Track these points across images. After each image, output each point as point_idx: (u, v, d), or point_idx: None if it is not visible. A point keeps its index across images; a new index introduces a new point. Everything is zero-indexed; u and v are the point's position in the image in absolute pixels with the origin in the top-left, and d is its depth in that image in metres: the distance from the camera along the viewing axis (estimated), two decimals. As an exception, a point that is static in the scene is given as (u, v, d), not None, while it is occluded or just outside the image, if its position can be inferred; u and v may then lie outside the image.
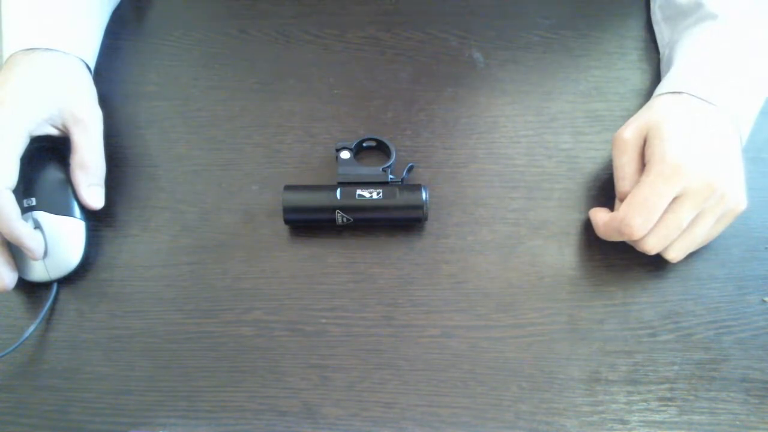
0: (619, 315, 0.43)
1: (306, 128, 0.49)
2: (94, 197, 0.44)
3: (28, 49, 0.43)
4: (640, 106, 0.45)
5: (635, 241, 0.41)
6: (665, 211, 0.39)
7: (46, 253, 0.42)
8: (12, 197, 0.39)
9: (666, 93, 0.43)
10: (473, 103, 0.50)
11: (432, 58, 0.52)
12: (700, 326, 0.42)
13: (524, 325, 0.42)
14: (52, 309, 0.43)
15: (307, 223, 0.45)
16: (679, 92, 0.42)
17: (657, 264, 0.44)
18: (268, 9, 0.54)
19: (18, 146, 0.40)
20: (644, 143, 0.41)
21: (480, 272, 0.44)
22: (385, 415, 0.40)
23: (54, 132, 0.43)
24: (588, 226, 0.45)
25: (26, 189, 0.43)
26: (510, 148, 0.48)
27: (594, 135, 0.49)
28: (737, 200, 0.40)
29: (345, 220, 0.44)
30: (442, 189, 0.47)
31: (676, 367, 0.41)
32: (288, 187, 0.44)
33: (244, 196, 0.47)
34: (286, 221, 0.44)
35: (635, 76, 0.51)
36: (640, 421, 0.40)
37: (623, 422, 0.40)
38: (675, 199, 0.39)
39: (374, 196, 0.43)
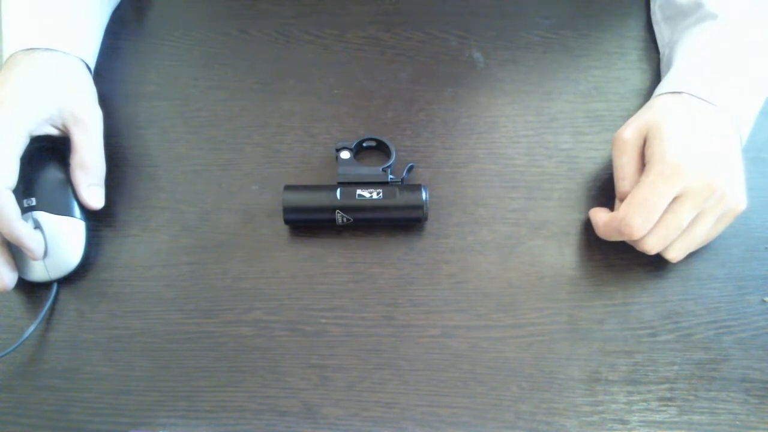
0: (619, 315, 0.43)
1: (306, 128, 0.49)
2: (94, 197, 0.44)
3: (28, 49, 0.43)
4: (640, 106, 0.45)
5: (635, 241, 0.41)
6: (665, 211, 0.39)
7: (46, 253, 0.42)
8: (12, 197, 0.39)
9: (666, 93, 0.43)
10: (473, 103, 0.50)
11: (432, 58, 0.52)
12: (700, 326, 0.42)
13: (524, 325, 0.42)
14: (52, 309, 0.43)
15: (307, 223, 0.45)
16: (679, 92, 0.42)
17: (657, 264, 0.44)
18: (268, 9, 0.54)
19: (18, 146, 0.40)
20: (644, 143, 0.41)
21: (480, 272, 0.44)
22: (385, 415, 0.40)
23: (54, 132, 0.43)
24: (588, 226, 0.45)
25: (26, 189, 0.43)
26: (510, 148, 0.48)
27: (594, 135, 0.49)
28: (737, 200, 0.40)
29: (345, 220, 0.44)
30: (442, 189, 0.47)
31: (676, 367, 0.41)
32: (288, 187, 0.44)
33: (244, 196, 0.47)
34: (286, 221, 0.44)
35: (635, 76, 0.51)
36: (640, 421, 0.40)
37: (623, 422, 0.40)
38: (675, 199, 0.39)
39: (374, 196, 0.43)
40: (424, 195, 0.44)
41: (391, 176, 0.45)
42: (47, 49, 0.44)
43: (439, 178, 0.47)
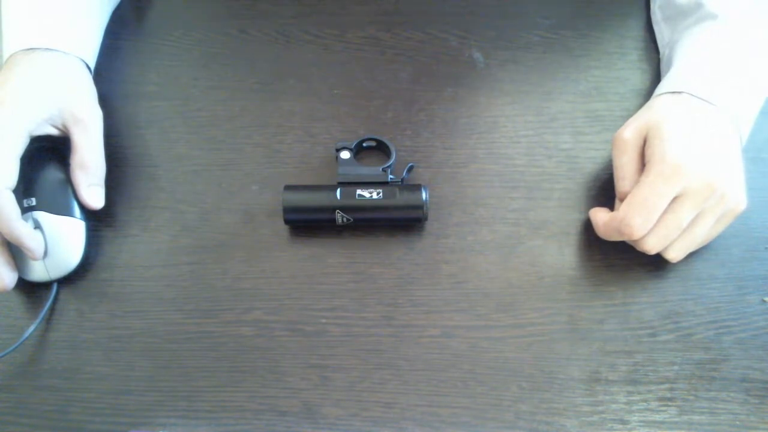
0: (619, 315, 0.43)
1: (306, 128, 0.49)
2: (94, 197, 0.44)
3: (28, 49, 0.43)
4: (640, 106, 0.45)
5: (635, 241, 0.41)
6: (665, 211, 0.39)
7: (46, 253, 0.42)
8: (12, 197, 0.39)
9: (666, 93, 0.43)
10: (473, 103, 0.50)
11: (432, 58, 0.52)
12: (700, 326, 0.42)
13: (524, 325, 0.42)
14: (52, 309, 0.43)
15: (307, 223, 0.45)
16: (679, 92, 0.42)
17: (657, 264, 0.44)
18: (268, 9, 0.54)
19: (18, 146, 0.40)
20: (644, 143, 0.41)
21: (480, 272, 0.44)
22: (385, 415, 0.40)
23: (54, 132, 0.43)
24: (588, 226, 0.45)
25: (26, 189, 0.43)
26: (510, 148, 0.48)
27: (594, 135, 0.49)
28: (737, 200, 0.40)
29: (345, 220, 0.44)
30: (442, 189, 0.47)
31: (676, 367, 0.41)
32: (288, 187, 0.44)
33: (244, 196, 0.47)
34: (286, 221, 0.44)
35: (635, 76, 0.51)
36: (640, 421, 0.40)
37: (623, 422, 0.40)
38: (675, 199, 0.39)
39: (374, 196, 0.43)
40: (424, 195, 0.44)
41: (391, 176, 0.45)
42: (47, 49, 0.44)
43: (439, 178, 0.47)
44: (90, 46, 0.48)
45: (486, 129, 0.49)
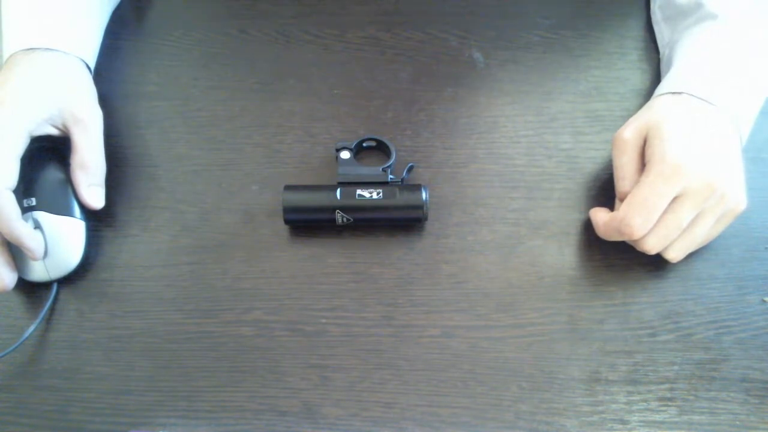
0: (619, 315, 0.43)
1: (306, 128, 0.49)
2: (95, 197, 0.44)
3: (28, 49, 0.43)
4: (640, 106, 0.45)
5: (635, 241, 0.41)
6: (665, 211, 0.39)
7: (46, 253, 0.42)
8: (12, 197, 0.39)
9: (666, 93, 0.43)
10: (473, 103, 0.50)
11: (432, 58, 0.52)
12: (700, 326, 0.42)
13: (524, 325, 0.42)
14: (52, 309, 0.43)
15: (307, 223, 0.45)
16: (679, 92, 0.42)
17: (657, 264, 0.44)
18: (268, 9, 0.54)
19: (18, 146, 0.40)
20: (644, 143, 0.41)
21: (480, 272, 0.44)
22: (385, 415, 0.40)
23: (54, 132, 0.43)
24: (588, 226, 0.45)
25: (26, 189, 0.43)
26: (510, 148, 0.48)
27: (594, 135, 0.49)
28: (737, 200, 0.40)
29: (345, 220, 0.44)
30: (442, 189, 0.47)
31: (676, 367, 0.41)
32: (288, 187, 0.44)
33: (244, 196, 0.47)
34: (286, 221, 0.44)
35: (635, 76, 0.51)
36: (640, 421, 0.40)
37: (623, 422, 0.40)
38: (675, 199, 0.39)
39: (374, 196, 0.43)
40: (424, 195, 0.44)
41: (391, 176, 0.45)
42: (47, 49, 0.44)
43: (439, 178, 0.47)
44: (90, 46, 0.48)
45: (486, 129, 0.49)
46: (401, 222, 0.45)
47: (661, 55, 0.51)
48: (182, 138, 0.49)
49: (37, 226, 0.43)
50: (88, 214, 0.45)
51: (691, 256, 0.43)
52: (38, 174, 0.44)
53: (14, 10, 0.45)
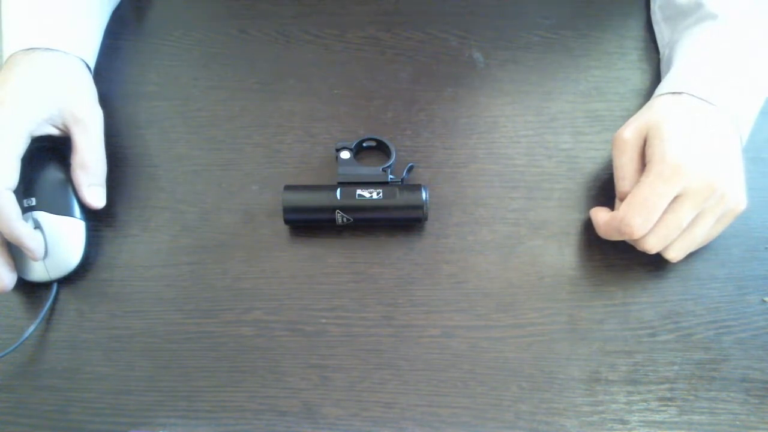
0: (619, 315, 0.43)
1: (306, 128, 0.49)
2: (96, 197, 0.44)
3: (28, 49, 0.43)
4: (640, 106, 0.45)
5: (635, 241, 0.41)
6: (665, 211, 0.39)
7: (46, 253, 0.42)
8: (12, 197, 0.40)
9: (666, 93, 0.43)
10: (473, 103, 0.50)
11: (432, 58, 0.52)
12: (700, 326, 0.42)
13: (524, 325, 0.42)
14: (52, 309, 0.43)
15: (307, 223, 0.45)
16: (679, 92, 0.42)
17: (657, 264, 0.44)
18: (268, 9, 0.54)
19: (19, 147, 0.40)
20: (644, 143, 0.41)
21: (480, 272, 0.44)
22: (385, 415, 0.40)
23: (55, 132, 0.43)
24: (588, 226, 0.45)
25: (26, 189, 0.43)
26: (510, 148, 0.48)
27: (594, 135, 0.49)
28: (737, 200, 0.40)
29: (345, 220, 0.44)
30: (442, 189, 0.47)
31: (676, 367, 0.41)
32: (288, 187, 0.44)
33: (244, 196, 0.47)
34: (286, 221, 0.44)
35: (635, 76, 0.51)
36: (640, 421, 0.40)
37: (623, 422, 0.40)
38: (675, 198, 0.39)
39: (374, 196, 0.43)
40: (424, 195, 0.44)
41: (391, 176, 0.45)
42: (47, 48, 0.44)
43: (439, 178, 0.47)
44: (90, 46, 0.48)
45: (486, 129, 0.49)
46: (401, 222, 0.45)
47: (661, 55, 0.51)
48: (182, 138, 0.49)
49: (37, 226, 0.43)
50: (88, 214, 0.45)
51: (691, 256, 0.43)
52: (38, 174, 0.44)
53: (14, 9, 0.45)
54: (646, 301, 0.43)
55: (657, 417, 0.40)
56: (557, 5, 0.54)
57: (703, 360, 0.41)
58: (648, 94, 0.49)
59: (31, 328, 0.42)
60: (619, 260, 0.44)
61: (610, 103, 0.50)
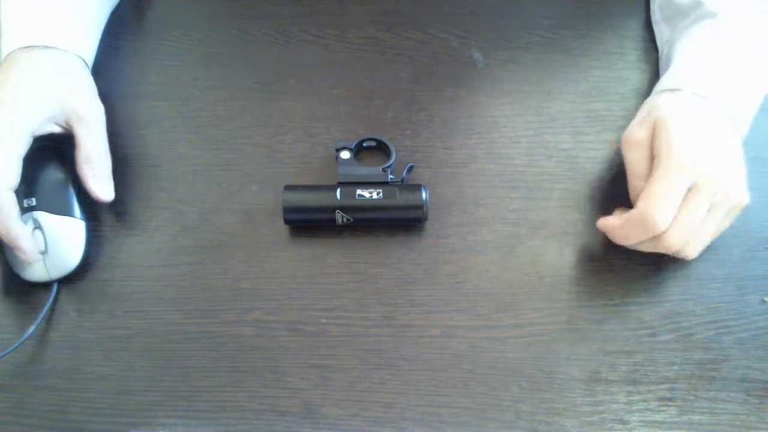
0: (619, 315, 0.43)
1: (306, 128, 0.49)
2: (104, 190, 0.44)
3: (26, 47, 0.43)
4: (640, 105, 0.45)
5: (657, 240, 0.40)
6: (683, 205, 0.39)
7: (46, 253, 0.42)
8: (12, 197, 0.39)
9: (665, 90, 0.43)
10: (473, 103, 0.50)
11: (432, 58, 0.52)
12: (700, 326, 0.42)
13: (524, 325, 0.42)
14: (52, 309, 0.43)
15: (307, 223, 0.45)
16: (678, 89, 0.42)
17: (657, 264, 0.44)
18: (268, 9, 0.54)
19: (20, 146, 0.40)
20: (652, 140, 0.41)
21: (480, 272, 0.44)
22: (385, 415, 0.40)
23: (57, 129, 0.43)
24: (588, 226, 0.45)
25: (26, 189, 0.43)
26: (510, 148, 0.48)
27: (594, 135, 0.49)
28: (741, 194, 0.40)
29: (345, 220, 0.44)
30: (442, 189, 0.47)
31: (676, 367, 0.41)
32: (288, 187, 0.44)
33: (244, 196, 0.47)
34: (286, 221, 0.44)
35: (635, 76, 0.51)
36: (640, 421, 0.40)
37: (623, 422, 0.39)
38: (688, 191, 0.39)
39: (374, 196, 0.43)
40: (424, 195, 0.44)
41: (391, 176, 0.45)
42: (46, 47, 0.44)
43: (439, 178, 0.47)
44: (89, 44, 0.48)
45: (486, 129, 0.49)
46: (401, 222, 0.45)
47: (660, 54, 0.51)
48: (182, 138, 0.49)
49: (37, 226, 0.43)
50: (89, 214, 0.45)
51: (691, 256, 0.43)
52: (38, 174, 0.44)
53: (13, 8, 0.45)
54: (646, 301, 0.43)
55: (657, 417, 0.40)
56: (557, 5, 0.54)
57: (703, 360, 0.41)
58: (647, 94, 0.49)
59: (31, 328, 0.42)
60: (619, 260, 0.44)
61: (610, 103, 0.50)
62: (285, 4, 0.54)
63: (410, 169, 0.46)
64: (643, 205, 0.39)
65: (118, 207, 0.46)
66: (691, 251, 0.41)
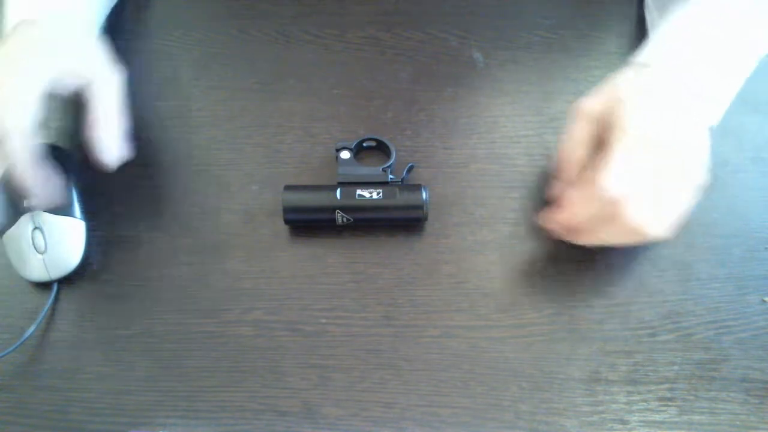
0: (619, 315, 0.43)
1: (306, 128, 0.49)
2: (113, 150, 0.43)
3: (32, 17, 0.43)
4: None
5: (615, 215, 0.39)
6: (636, 176, 0.38)
7: (46, 253, 0.42)
8: (28, 141, 0.39)
9: (635, 65, 0.43)
10: (473, 103, 0.50)
11: (432, 58, 0.52)
12: (700, 326, 0.42)
13: (524, 325, 0.42)
14: (52, 309, 0.43)
15: (307, 223, 0.45)
16: (646, 65, 0.42)
17: (657, 264, 0.44)
18: (268, 9, 0.54)
19: (39, 88, 0.39)
20: (606, 114, 0.41)
21: (480, 272, 0.44)
22: (385, 415, 0.40)
23: (72, 85, 0.42)
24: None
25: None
26: (510, 148, 0.48)
27: (594, 135, 0.48)
28: (697, 172, 0.39)
29: (345, 220, 0.44)
30: (442, 189, 0.47)
31: (676, 367, 0.41)
32: (288, 187, 0.44)
33: (244, 196, 0.47)
34: (286, 221, 0.44)
35: (635, 76, 0.51)
36: (640, 421, 0.40)
37: (623, 422, 0.39)
38: (642, 163, 0.38)
39: (374, 196, 0.43)
40: (424, 195, 0.44)
41: (391, 176, 0.45)
42: (53, 13, 0.43)
43: (439, 178, 0.47)
44: (96, 9, 0.48)
45: (486, 129, 0.49)
46: (401, 222, 0.45)
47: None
48: (182, 138, 0.49)
49: (37, 226, 0.43)
50: (88, 214, 0.45)
51: (691, 256, 0.43)
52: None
53: None
54: (646, 301, 0.43)
55: (657, 417, 0.40)
56: (557, 5, 0.54)
57: (703, 360, 0.41)
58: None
59: (31, 328, 0.42)
60: (619, 260, 0.44)
61: (610, 103, 0.50)
62: (285, 4, 0.54)
63: (410, 169, 0.46)
64: (599, 176, 0.38)
65: (118, 207, 0.46)
66: (657, 229, 0.39)
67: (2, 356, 0.41)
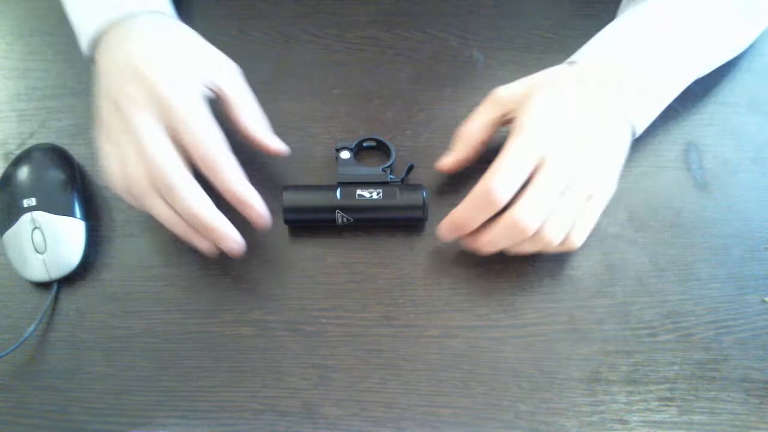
0: (619, 315, 0.43)
1: (306, 128, 0.49)
2: (278, 142, 0.43)
3: (147, 12, 0.42)
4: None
5: (510, 224, 0.38)
6: (530, 183, 0.37)
7: (45, 253, 0.42)
8: (230, 156, 0.39)
9: (566, 62, 0.43)
10: (473, 103, 0.50)
11: (432, 58, 0.52)
12: (700, 326, 0.42)
13: (524, 325, 0.42)
14: (52, 309, 0.43)
15: (307, 223, 0.45)
16: (574, 62, 0.42)
17: (657, 264, 0.44)
18: (268, 9, 0.54)
19: (203, 97, 0.39)
20: (516, 101, 0.41)
21: (480, 272, 0.44)
22: (385, 415, 0.40)
23: (211, 94, 0.41)
24: (588, 226, 0.45)
25: (26, 189, 0.43)
26: (510, 148, 0.48)
27: (594, 135, 0.48)
28: (600, 182, 0.39)
29: (345, 220, 0.44)
30: (442, 189, 0.47)
31: (676, 367, 0.41)
32: (288, 187, 0.44)
33: (244, 196, 0.47)
34: (286, 221, 0.44)
35: (635, 76, 0.51)
36: (640, 421, 0.40)
37: (623, 422, 0.39)
38: (537, 168, 0.37)
39: (374, 196, 0.43)
40: (424, 195, 0.44)
41: (391, 176, 0.45)
42: (152, 11, 0.43)
43: (439, 178, 0.47)
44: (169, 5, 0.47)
45: (486, 129, 0.49)
46: (401, 222, 0.45)
47: None
48: (182, 138, 0.49)
49: (37, 226, 0.43)
50: (88, 214, 0.45)
51: (691, 256, 0.43)
52: (38, 174, 0.44)
53: None
54: (646, 301, 0.43)
55: (657, 417, 0.40)
56: (557, 5, 0.54)
57: (703, 360, 0.41)
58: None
59: (31, 328, 0.42)
60: (619, 260, 0.44)
61: (610, 103, 0.50)
62: (285, 4, 0.54)
63: (410, 169, 0.46)
64: (486, 179, 0.38)
65: (118, 207, 0.46)
66: (551, 235, 0.38)
67: (2, 356, 0.41)
